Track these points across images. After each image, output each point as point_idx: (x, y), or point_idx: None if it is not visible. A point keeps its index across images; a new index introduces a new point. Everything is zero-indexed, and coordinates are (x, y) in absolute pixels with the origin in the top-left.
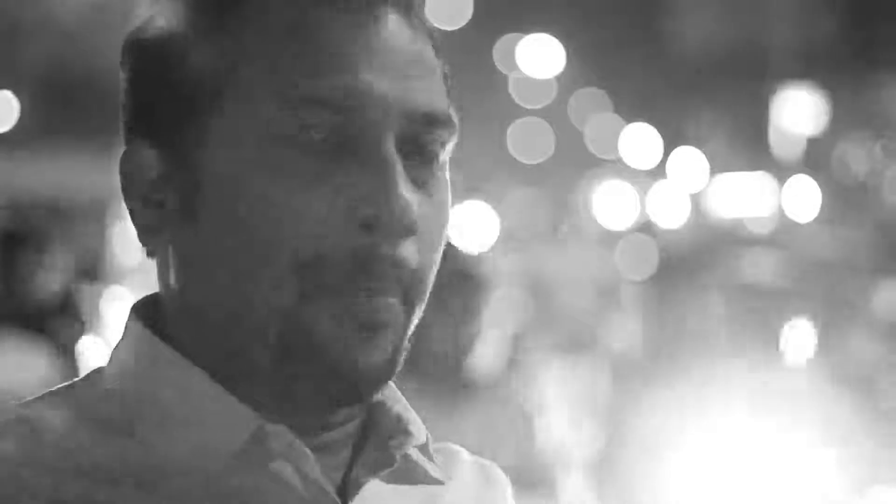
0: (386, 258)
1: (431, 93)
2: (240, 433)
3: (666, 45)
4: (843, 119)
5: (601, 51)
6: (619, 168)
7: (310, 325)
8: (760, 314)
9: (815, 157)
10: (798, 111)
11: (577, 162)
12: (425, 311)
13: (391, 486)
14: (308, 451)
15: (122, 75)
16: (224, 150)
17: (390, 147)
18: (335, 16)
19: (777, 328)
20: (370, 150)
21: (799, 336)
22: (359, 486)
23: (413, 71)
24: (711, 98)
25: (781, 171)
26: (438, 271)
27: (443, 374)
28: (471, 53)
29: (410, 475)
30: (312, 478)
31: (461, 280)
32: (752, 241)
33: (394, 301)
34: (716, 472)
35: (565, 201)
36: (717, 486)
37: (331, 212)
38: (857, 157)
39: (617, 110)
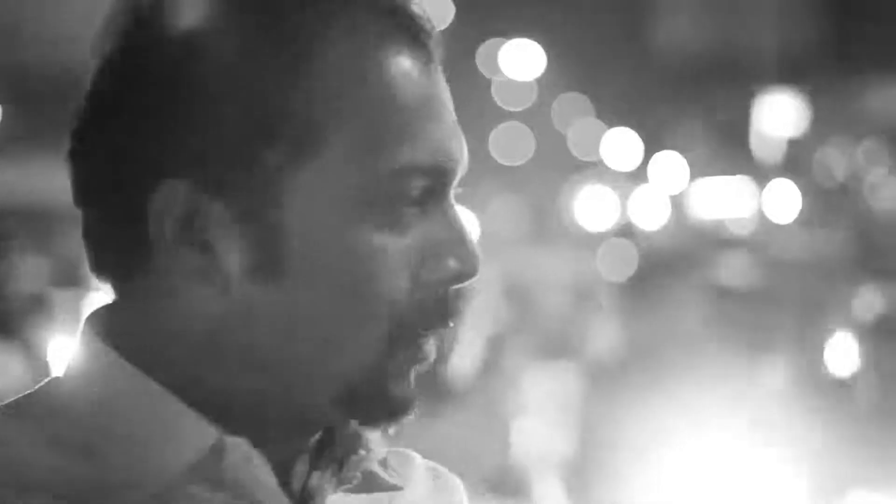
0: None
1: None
2: (198, 446)
3: (648, 50)
4: (824, 123)
5: (583, 55)
6: (600, 171)
7: (391, 376)
8: (740, 316)
9: (796, 161)
10: (779, 115)
11: (559, 165)
12: None
13: (350, 496)
14: (266, 462)
15: (154, 101)
16: (316, 205)
17: (453, 197)
18: (416, 66)
19: (756, 330)
20: (447, 202)
21: (779, 338)
22: (316, 498)
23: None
24: (693, 102)
25: (762, 175)
26: None
27: (421, 380)
28: (453, 57)
29: (368, 484)
30: (271, 490)
31: None
32: (733, 244)
33: None
34: (696, 476)
35: (547, 205)
36: (698, 490)
37: (422, 264)
38: (837, 160)
39: (599, 115)
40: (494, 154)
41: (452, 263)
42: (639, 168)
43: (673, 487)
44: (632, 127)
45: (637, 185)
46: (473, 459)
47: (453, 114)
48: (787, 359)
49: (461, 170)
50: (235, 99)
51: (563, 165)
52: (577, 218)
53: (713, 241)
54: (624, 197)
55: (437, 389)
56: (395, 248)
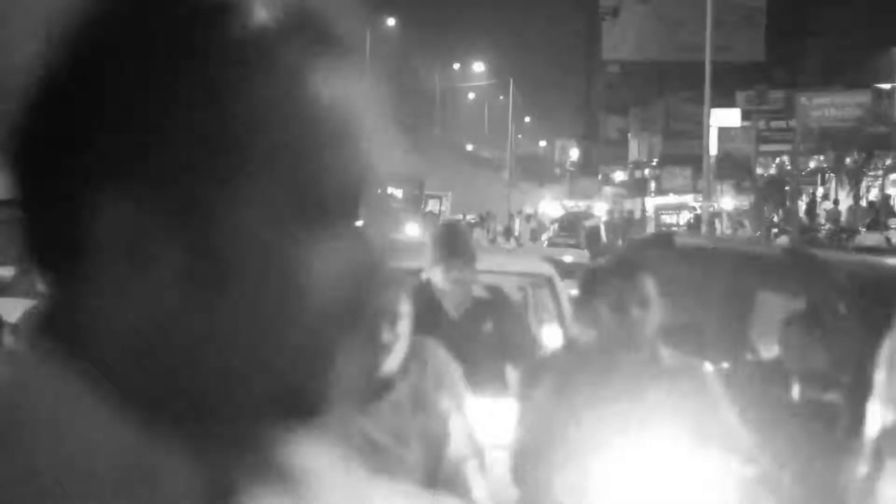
0: None
1: None
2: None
3: None
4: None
5: None
6: None
7: (316, 377)
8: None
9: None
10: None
11: None
12: None
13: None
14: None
15: (89, 110)
16: (247, 216)
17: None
18: (334, 81)
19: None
20: (365, 213)
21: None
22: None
23: None
24: None
25: None
26: None
27: (352, 375)
28: None
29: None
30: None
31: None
32: None
33: None
34: (642, 467)
35: None
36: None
37: (345, 273)
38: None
39: None
40: None
41: (368, 272)
42: None
43: (619, 477)
44: None
45: None
46: (413, 454)
47: (376, 126)
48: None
49: (380, 181)
50: (168, 111)
51: None
52: None
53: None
54: None
55: (374, 384)
56: (320, 259)
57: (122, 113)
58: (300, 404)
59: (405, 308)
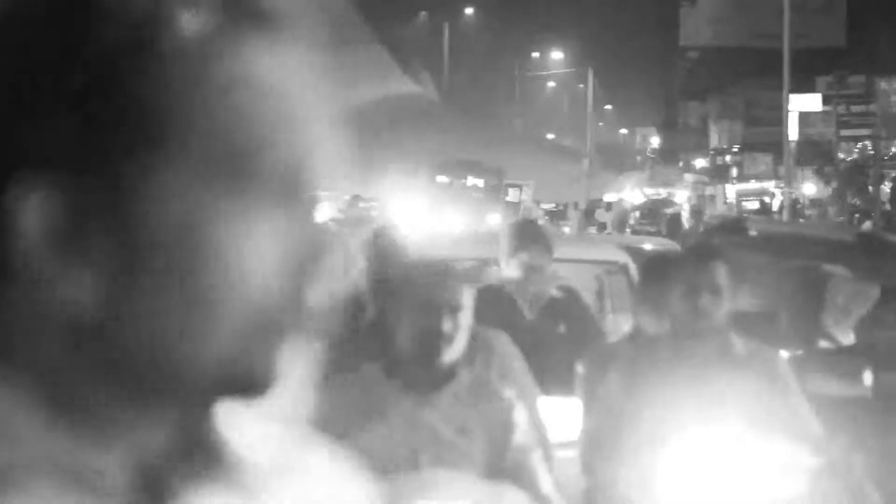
0: None
1: None
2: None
3: None
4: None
5: None
6: None
7: (255, 360)
8: None
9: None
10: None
11: None
12: None
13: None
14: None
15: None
16: (174, 198)
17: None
18: (263, 53)
19: None
20: (303, 195)
21: None
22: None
23: None
24: None
25: None
26: None
27: (416, 363)
28: None
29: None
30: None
31: None
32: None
33: None
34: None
35: None
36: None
37: (280, 256)
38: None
39: None
40: None
41: (306, 255)
42: None
43: (687, 467)
44: None
45: None
46: (472, 442)
47: (317, 102)
48: None
49: (321, 163)
50: (89, 88)
51: None
52: None
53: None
54: None
55: (431, 372)
56: (254, 239)
57: (38, 99)
58: (240, 385)
59: (467, 299)
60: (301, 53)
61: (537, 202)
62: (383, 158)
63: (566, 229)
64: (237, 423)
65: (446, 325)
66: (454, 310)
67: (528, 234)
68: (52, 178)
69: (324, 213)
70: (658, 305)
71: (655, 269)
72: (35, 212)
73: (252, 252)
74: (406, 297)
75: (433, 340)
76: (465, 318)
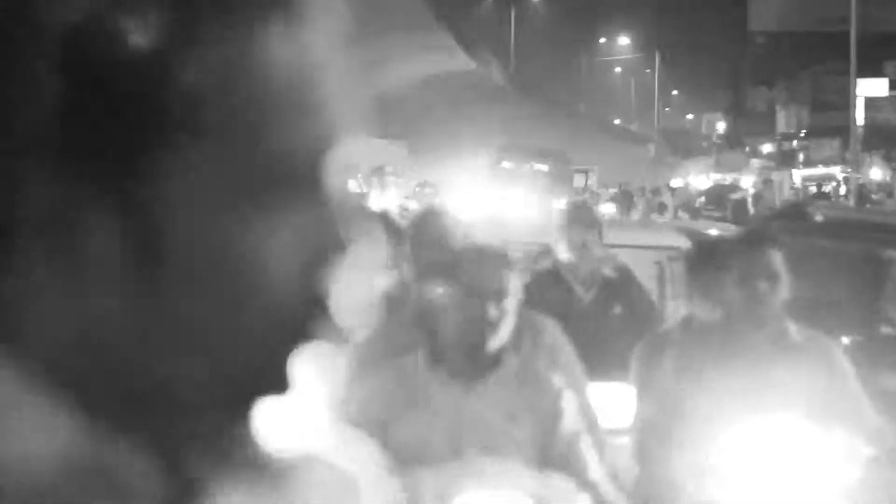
0: None
1: None
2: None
3: None
4: None
5: None
6: None
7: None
8: None
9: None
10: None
11: None
12: None
13: None
14: None
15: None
16: (196, 198)
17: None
18: (291, 39)
19: None
20: (328, 190)
21: None
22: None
23: None
24: None
25: None
26: None
27: (461, 350)
28: None
29: None
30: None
31: None
32: None
33: None
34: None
35: None
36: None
37: (305, 257)
38: None
39: None
40: None
41: (331, 255)
42: None
43: (741, 455)
44: None
45: None
46: (520, 429)
47: (340, 92)
48: None
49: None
50: (104, 78)
51: None
52: None
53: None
54: None
55: (476, 360)
56: (272, 239)
57: (39, 82)
58: (264, 393)
59: (513, 284)
60: (331, 45)
61: (605, 186)
62: (449, 143)
63: (633, 215)
64: (268, 426)
65: (491, 312)
66: (499, 296)
67: (575, 215)
68: (55, 166)
69: (390, 199)
70: (711, 292)
71: (709, 255)
72: (33, 200)
73: (273, 251)
74: (451, 284)
75: (478, 327)
76: (511, 304)
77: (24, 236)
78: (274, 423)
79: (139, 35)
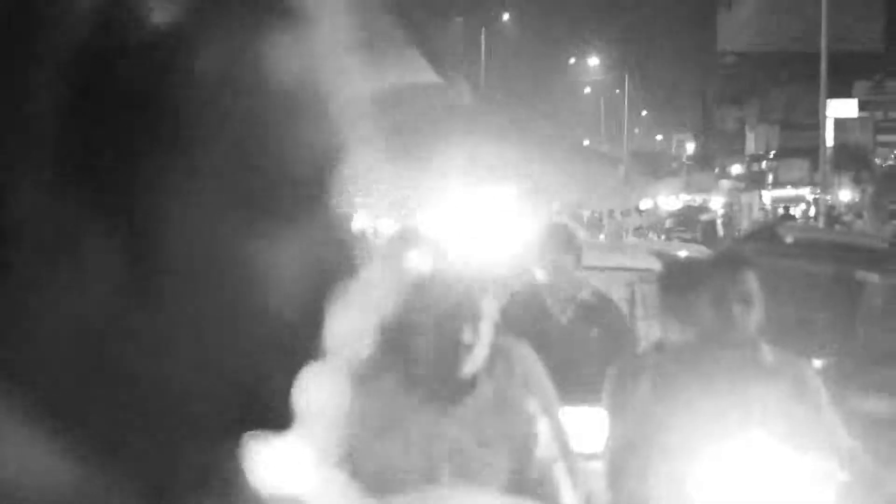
0: None
1: None
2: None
3: None
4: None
5: None
6: None
7: (276, 390)
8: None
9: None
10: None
11: None
12: None
13: None
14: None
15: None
16: (193, 212)
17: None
18: (291, 51)
19: None
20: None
21: None
22: None
23: None
24: None
25: None
26: None
27: (434, 373)
28: None
29: None
30: None
31: None
32: None
33: None
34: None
35: None
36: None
37: (301, 271)
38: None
39: None
40: None
41: (328, 270)
42: None
43: (716, 479)
44: None
45: None
46: (494, 455)
47: (345, 101)
48: None
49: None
50: (103, 85)
51: None
52: None
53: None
54: None
55: (451, 384)
56: (273, 252)
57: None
58: (258, 416)
59: (488, 308)
60: (328, 53)
61: (580, 208)
62: (418, 161)
63: (602, 237)
64: (257, 456)
65: (466, 335)
66: (475, 319)
67: (553, 237)
68: (51, 173)
69: (361, 219)
70: (685, 314)
71: (681, 277)
72: (28, 209)
73: (271, 269)
74: (425, 307)
75: (452, 350)
76: (486, 327)
77: (18, 245)
78: (264, 461)
79: (139, 39)
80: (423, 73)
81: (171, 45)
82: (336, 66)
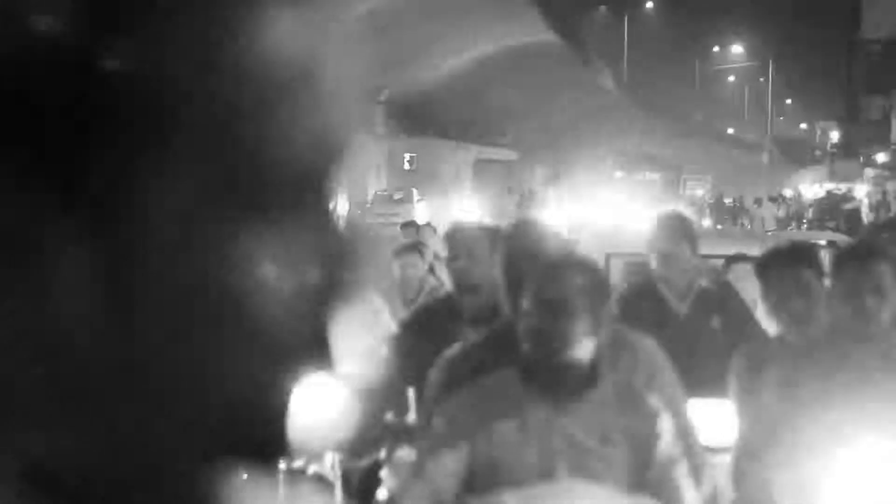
0: None
1: None
2: None
3: None
4: None
5: None
6: None
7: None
8: None
9: None
10: None
11: None
12: None
13: None
14: None
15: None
16: (171, 214)
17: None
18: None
19: None
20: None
21: None
22: None
23: None
24: None
25: None
26: None
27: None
28: None
29: None
30: None
31: None
32: None
33: None
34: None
35: None
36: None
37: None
38: None
39: None
40: None
41: (324, 273)
42: None
43: (844, 477)
44: None
45: None
46: (615, 452)
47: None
48: None
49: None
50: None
51: None
52: None
53: None
54: None
55: (564, 377)
56: (264, 253)
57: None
58: (252, 424)
59: (602, 298)
60: (336, 42)
61: (720, 196)
62: (560, 149)
63: (746, 224)
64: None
65: (575, 327)
66: (584, 310)
67: (663, 225)
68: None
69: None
70: (812, 305)
71: (806, 264)
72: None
73: (264, 270)
74: (533, 297)
75: (560, 342)
76: (585, 319)
77: None
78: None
79: (115, 35)
80: (569, 63)
81: (149, 42)
82: (336, 54)
